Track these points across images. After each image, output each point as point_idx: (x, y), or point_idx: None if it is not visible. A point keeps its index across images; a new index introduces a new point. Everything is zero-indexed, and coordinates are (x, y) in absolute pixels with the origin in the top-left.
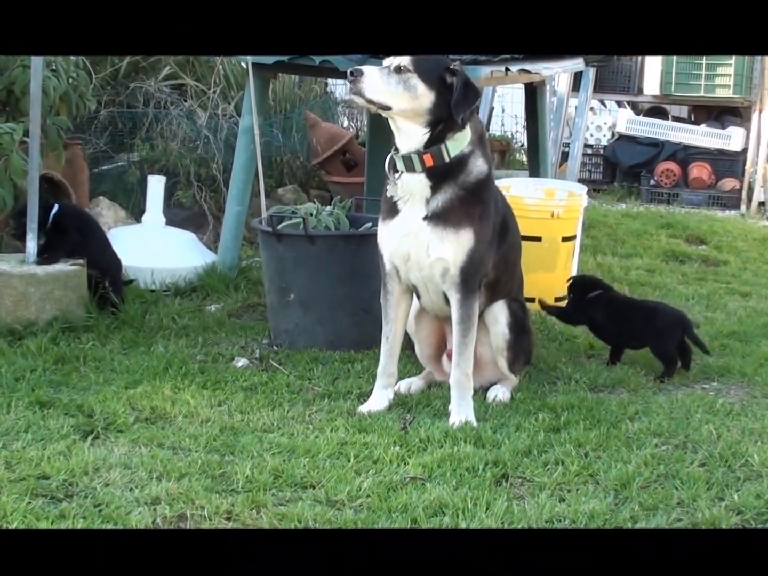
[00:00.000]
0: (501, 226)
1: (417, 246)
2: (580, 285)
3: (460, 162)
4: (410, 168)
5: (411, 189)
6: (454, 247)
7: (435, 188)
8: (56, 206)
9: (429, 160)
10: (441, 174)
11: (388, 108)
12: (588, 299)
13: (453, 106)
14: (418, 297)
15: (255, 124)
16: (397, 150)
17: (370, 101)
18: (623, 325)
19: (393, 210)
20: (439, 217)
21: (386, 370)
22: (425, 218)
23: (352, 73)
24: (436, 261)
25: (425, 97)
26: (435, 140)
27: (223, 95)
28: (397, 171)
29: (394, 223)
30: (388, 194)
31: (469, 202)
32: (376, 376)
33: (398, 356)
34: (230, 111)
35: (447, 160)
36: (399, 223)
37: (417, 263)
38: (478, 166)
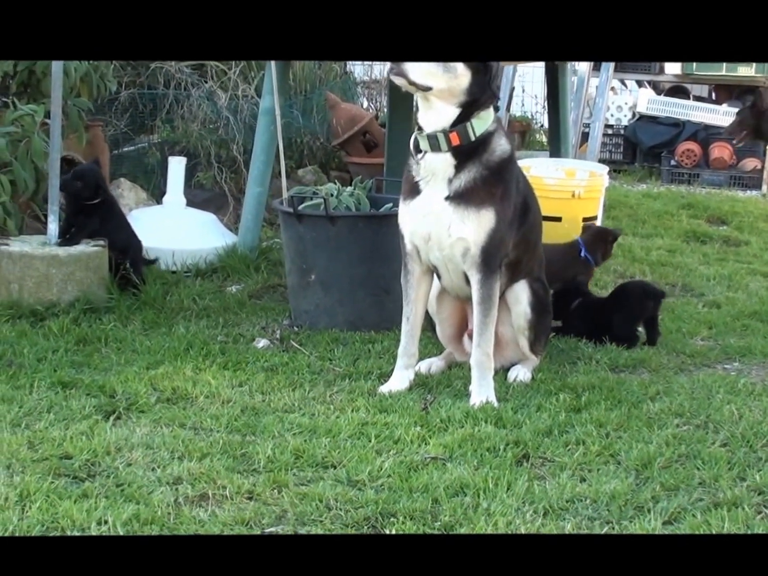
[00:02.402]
0: (522, 206)
1: (438, 226)
2: (563, 294)
3: (485, 141)
4: (435, 147)
5: (434, 168)
6: (475, 226)
7: (458, 167)
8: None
9: (455, 139)
10: (465, 153)
11: (428, 89)
12: (571, 310)
13: (493, 84)
14: (439, 277)
15: (276, 105)
16: (420, 129)
17: (412, 83)
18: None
19: (414, 190)
20: (461, 197)
21: (407, 351)
22: (447, 198)
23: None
24: (457, 241)
25: (464, 76)
26: (461, 119)
27: (243, 76)
28: (421, 151)
29: (415, 203)
30: (411, 174)
31: (492, 181)
32: (397, 356)
33: (419, 336)
34: (251, 92)
35: (473, 138)
36: (420, 203)
37: (438, 243)
38: (502, 145)
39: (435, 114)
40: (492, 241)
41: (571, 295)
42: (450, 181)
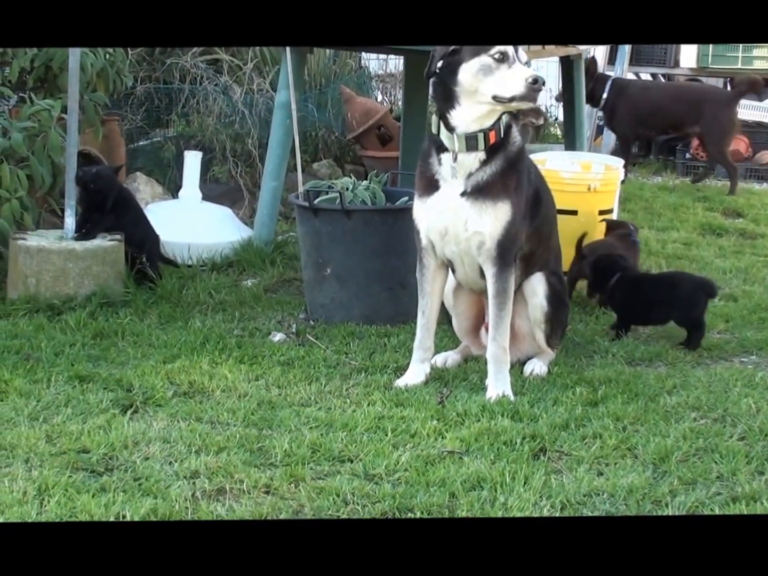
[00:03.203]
0: (534, 197)
1: (455, 221)
2: (602, 267)
3: (506, 134)
4: (473, 147)
5: (462, 167)
6: (492, 220)
7: (484, 163)
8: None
9: (493, 137)
10: (493, 149)
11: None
12: (611, 284)
13: None
14: (453, 271)
15: (292, 99)
16: (451, 130)
17: None
18: (645, 303)
19: (432, 186)
20: (479, 192)
21: (423, 344)
22: (464, 193)
23: (539, 81)
24: (473, 235)
25: None
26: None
27: (258, 70)
28: (444, 150)
29: (432, 199)
30: (430, 171)
31: (508, 174)
32: (413, 350)
33: (435, 330)
34: (265, 86)
35: (502, 134)
36: (438, 199)
37: (454, 237)
38: (515, 136)
39: (478, 114)
40: (507, 234)
41: (609, 269)
42: (469, 176)
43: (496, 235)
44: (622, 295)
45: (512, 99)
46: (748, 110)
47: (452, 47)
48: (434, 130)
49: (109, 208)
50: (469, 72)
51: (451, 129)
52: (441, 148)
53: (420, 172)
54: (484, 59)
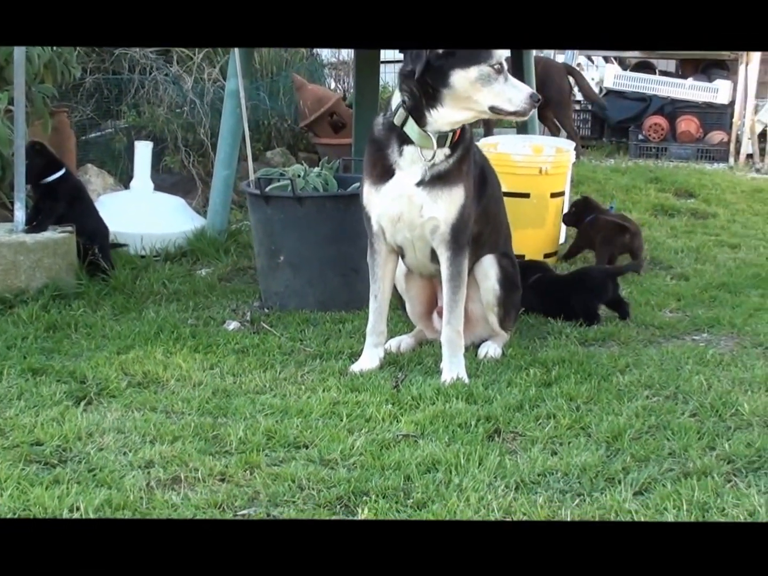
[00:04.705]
0: (480, 178)
1: (410, 207)
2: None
3: (463, 128)
4: (441, 144)
5: (429, 161)
6: (446, 205)
7: (447, 157)
8: (63, 170)
9: (458, 133)
10: (455, 142)
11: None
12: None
13: None
14: (402, 257)
15: (241, 87)
16: (422, 126)
17: None
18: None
19: (387, 174)
20: (437, 179)
21: (376, 329)
22: (421, 182)
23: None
24: (428, 220)
25: None
26: None
27: (208, 59)
28: (407, 143)
29: (386, 187)
30: (385, 159)
31: (462, 161)
32: (366, 335)
33: (387, 314)
34: (216, 75)
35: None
36: (392, 187)
37: (409, 224)
38: (467, 126)
39: (461, 119)
40: (461, 218)
41: (530, 270)
42: (432, 167)
43: (451, 219)
44: (537, 296)
45: (515, 113)
46: (698, 91)
47: (443, 50)
48: (397, 122)
49: (60, 200)
50: (466, 79)
51: (422, 125)
52: (404, 140)
53: (373, 160)
54: (485, 69)
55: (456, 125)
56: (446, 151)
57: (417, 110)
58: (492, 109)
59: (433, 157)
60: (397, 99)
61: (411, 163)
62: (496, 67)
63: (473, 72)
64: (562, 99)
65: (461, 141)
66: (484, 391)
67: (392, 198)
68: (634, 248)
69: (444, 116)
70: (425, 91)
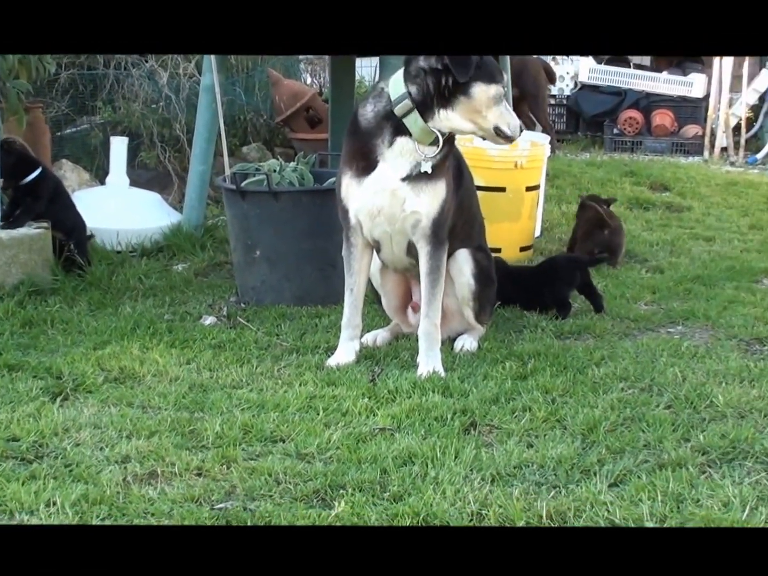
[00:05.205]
0: (457, 170)
1: (392, 201)
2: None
3: None
4: (435, 143)
5: (423, 156)
6: (429, 199)
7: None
8: (40, 168)
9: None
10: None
11: None
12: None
13: None
14: (377, 251)
15: (216, 82)
16: (426, 122)
17: None
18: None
19: (370, 167)
20: (422, 174)
21: (351, 322)
22: (406, 177)
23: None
24: (410, 214)
25: None
26: None
27: (183, 55)
28: (402, 135)
29: (368, 180)
30: (371, 152)
31: (445, 156)
32: (341, 328)
33: (362, 308)
34: (191, 70)
35: None
36: (374, 180)
37: (389, 218)
38: None
39: (460, 127)
40: (443, 212)
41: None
42: (425, 160)
43: (433, 213)
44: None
45: (508, 138)
46: (673, 85)
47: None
48: (399, 113)
49: (41, 198)
50: (485, 94)
51: (425, 121)
52: (398, 131)
53: (354, 150)
54: (500, 89)
55: (454, 131)
56: (437, 147)
57: (425, 105)
58: (496, 129)
59: (429, 152)
60: (398, 90)
61: (398, 155)
62: (504, 90)
63: (493, 89)
64: (538, 93)
65: (448, 138)
66: (460, 385)
67: (374, 191)
68: (613, 245)
69: (451, 120)
70: (440, 92)
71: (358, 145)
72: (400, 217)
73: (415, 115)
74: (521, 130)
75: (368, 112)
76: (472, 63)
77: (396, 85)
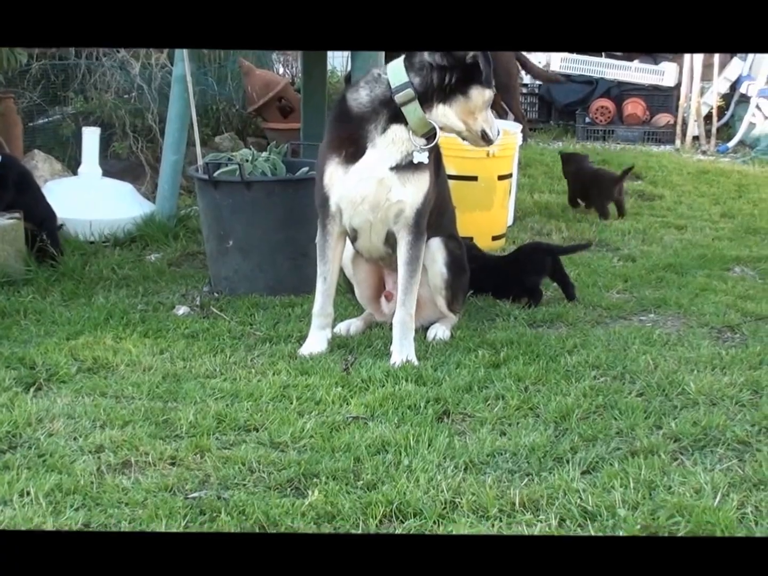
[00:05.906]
0: (436, 161)
1: (378, 190)
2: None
3: None
4: (432, 138)
5: (415, 146)
6: (414, 189)
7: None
8: (0, 158)
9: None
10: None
11: None
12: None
13: None
14: (353, 240)
15: (187, 72)
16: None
17: None
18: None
19: (358, 153)
20: (409, 164)
21: (323, 311)
22: (395, 167)
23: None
24: (395, 204)
25: None
26: None
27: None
28: (398, 122)
29: (355, 167)
30: (361, 139)
31: (433, 147)
32: (312, 317)
33: (334, 296)
34: (163, 60)
35: None
36: (361, 167)
37: (373, 206)
38: None
39: (451, 126)
40: (425, 202)
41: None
42: (420, 151)
43: (416, 204)
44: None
45: (489, 142)
46: (644, 73)
47: None
48: (400, 100)
49: (8, 188)
50: (481, 97)
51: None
52: (394, 119)
53: (342, 136)
54: (491, 94)
55: (445, 128)
56: (428, 139)
57: (425, 97)
58: (482, 132)
59: (420, 142)
60: (399, 78)
61: (390, 143)
62: (493, 95)
63: (487, 93)
64: (510, 82)
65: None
66: (433, 373)
67: (360, 179)
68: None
69: (446, 116)
70: (442, 88)
71: (347, 131)
72: (384, 206)
73: (416, 105)
74: (499, 136)
75: (362, 96)
76: (489, 60)
77: (397, 73)
